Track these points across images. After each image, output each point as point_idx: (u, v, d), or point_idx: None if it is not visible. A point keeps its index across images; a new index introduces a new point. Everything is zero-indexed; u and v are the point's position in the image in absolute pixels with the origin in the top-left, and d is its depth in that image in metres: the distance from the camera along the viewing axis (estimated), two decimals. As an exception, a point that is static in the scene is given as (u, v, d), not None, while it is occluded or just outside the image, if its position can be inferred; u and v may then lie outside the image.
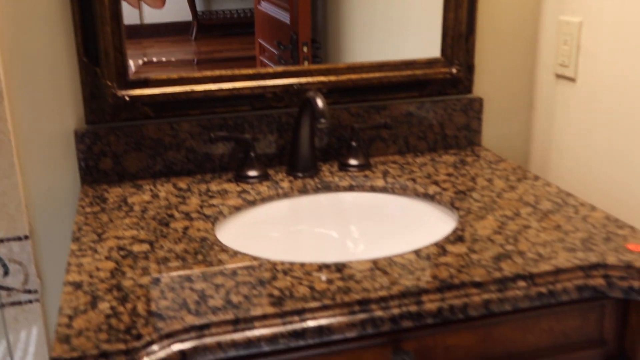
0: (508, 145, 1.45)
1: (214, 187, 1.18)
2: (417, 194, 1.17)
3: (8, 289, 1.19)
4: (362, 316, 0.79)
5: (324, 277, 0.83)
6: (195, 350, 0.74)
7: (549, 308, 0.90)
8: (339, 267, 0.88)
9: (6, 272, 1.18)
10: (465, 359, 0.89)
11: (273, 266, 0.88)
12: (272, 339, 0.76)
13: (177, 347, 0.73)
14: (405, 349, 0.84)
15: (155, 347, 0.72)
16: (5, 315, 1.20)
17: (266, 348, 0.76)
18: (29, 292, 1.20)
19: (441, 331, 0.87)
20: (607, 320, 0.93)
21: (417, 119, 1.34)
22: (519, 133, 1.45)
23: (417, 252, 0.92)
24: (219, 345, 0.75)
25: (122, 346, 0.71)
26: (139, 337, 0.72)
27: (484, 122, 1.41)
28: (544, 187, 1.15)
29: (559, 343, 0.92)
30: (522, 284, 0.85)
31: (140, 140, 1.20)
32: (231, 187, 1.18)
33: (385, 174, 1.23)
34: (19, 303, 1.21)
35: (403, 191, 1.19)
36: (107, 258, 0.91)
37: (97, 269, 0.88)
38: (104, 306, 0.79)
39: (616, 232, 0.97)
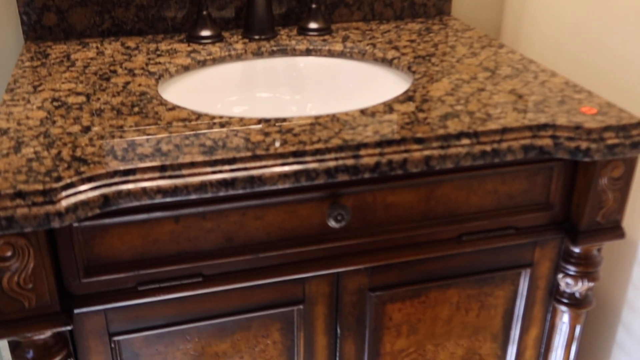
0: (479, 16, 1.39)
1: (163, 46, 1.13)
2: (375, 59, 1.13)
3: (-46, 148, 1.16)
4: (296, 167, 0.77)
5: (277, 143, 0.80)
6: (118, 194, 0.72)
7: (494, 169, 0.88)
8: (279, 122, 0.85)
9: (-49, 131, 1.15)
10: (405, 217, 0.87)
11: (211, 119, 0.85)
12: (201, 186, 0.74)
13: (99, 191, 0.71)
14: (342, 204, 0.83)
15: (75, 189, 0.70)
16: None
17: (194, 196, 0.74)
18: (-23, 152, 1.17)
19: (381, 188, 0.85)
20: (554, 184, 0.91)
21: (383, -17, 1.27)
22: (491, 3, 1.39)
23: (362, 110, 0.88)
24: (144, 191, 0.73)
25: (39, 187, 0.68)
26: (59, 179, 0.70)
27: (455, -10, 1.34)
28: (507, 54, 1.11)
29: (503, 205, 0.91)
30: (465, 141, 0.82)
31: (86, -5, 1.13)
32: (182, 47, 1.12)
33: (345, 39, 1.18)
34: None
35: (361, 56, 1.14)
36: (39, 108, 0.88)
37: (27, 118, 0.85)
38: (27, 151, 0.76)
39: (572, 96, 0.94)
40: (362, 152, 0.79)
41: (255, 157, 0.76)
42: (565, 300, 0.98)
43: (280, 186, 0.77)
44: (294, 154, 0.77)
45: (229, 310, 0.86)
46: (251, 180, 0.75)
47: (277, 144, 0.78)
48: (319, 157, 0.78)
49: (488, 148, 0.83)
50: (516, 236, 0.92)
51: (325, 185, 0.82)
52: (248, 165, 0.76)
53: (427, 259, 0.91)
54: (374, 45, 1.14)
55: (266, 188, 0.76)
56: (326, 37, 1.19)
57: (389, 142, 0.80)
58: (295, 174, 0.77)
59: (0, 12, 1.12)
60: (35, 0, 1.11)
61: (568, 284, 0.97)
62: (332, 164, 0.78)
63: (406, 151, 0.80)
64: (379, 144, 0.80)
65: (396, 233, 0.88)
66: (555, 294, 0.99)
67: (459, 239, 0.91)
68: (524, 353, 1.04)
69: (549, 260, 0.97)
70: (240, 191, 0.76)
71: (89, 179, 0.71)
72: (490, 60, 1.08)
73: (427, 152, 0.81)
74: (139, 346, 0.84)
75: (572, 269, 0.96)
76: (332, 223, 0.83)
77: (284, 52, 1.15)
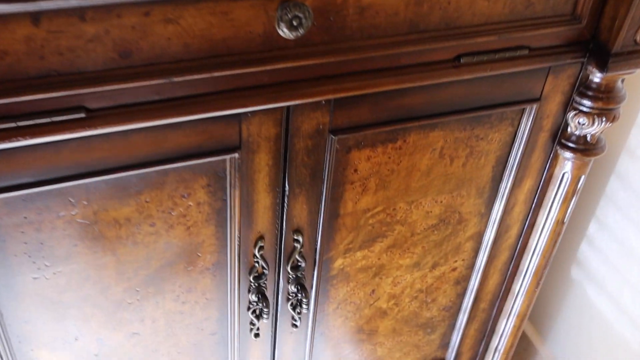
0: None
1: None
2: None
3: None
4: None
5: None
6: None
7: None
8: None
9: None
10: (386, 27, 0.61)
11: None
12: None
13: None
14: (299, 2, 0.55)
15: None
16: None
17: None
18: None
19: (356, -19, 0.57)
20: (585, -11, 0.66)
21: None
22: None
23: None
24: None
25: None
26: None
27: None
28: None
29: (518, 15, 0.65)
30: None
31: None
32: None
33: None
34: None
35: None
36: None
37: None
38: None
39: None
40: None
41: None
42: (572, 145, 0.78)
43: (204, -34, 0.48)
44: None
45: (130, 161, 0.59)
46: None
47: None
48: None
49: None
50: (529, 58, 0.68)
51: (274, -28, 0.54)
52: None
53: (409, 89, 0.66)
54: None
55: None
56: None
57: None
58: (229, -54, 0.47)
59: None
60: None
61: (580, 124, 0.75)
62: None
63: None
64: None
65: (372, 51, 0.61)
66: (560, 138, 0.78)
67: (456, 62, 0.66)
68: (512, 210, 0.84)
69: (561, 93, 0.74)
70: (139, -28, 0.46)
71: None
72: None
73: None
74: (-3, 214, 0.58)
75: (587, 105, 0.74)
76: (284, 31, 0.55)
77: None
